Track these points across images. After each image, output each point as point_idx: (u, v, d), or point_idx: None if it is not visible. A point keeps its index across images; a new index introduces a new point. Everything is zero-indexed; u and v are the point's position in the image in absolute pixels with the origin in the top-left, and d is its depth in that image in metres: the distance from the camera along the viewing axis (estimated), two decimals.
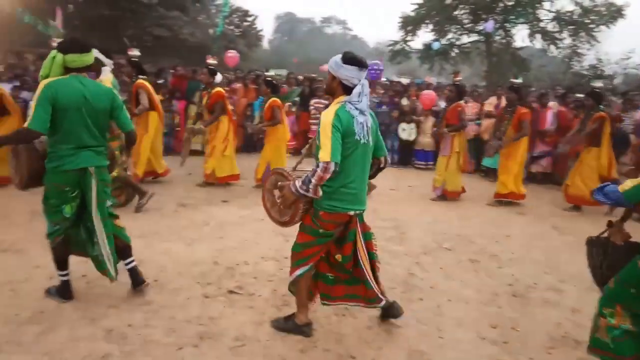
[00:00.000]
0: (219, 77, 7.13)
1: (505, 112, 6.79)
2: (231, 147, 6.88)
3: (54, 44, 5.97)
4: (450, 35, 24.09)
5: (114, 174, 4.71)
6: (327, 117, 2.62)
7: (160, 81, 9.61)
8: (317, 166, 2.59)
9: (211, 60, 7.30)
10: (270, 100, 6.74)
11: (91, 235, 3.12)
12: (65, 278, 3.22)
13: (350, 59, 2.68)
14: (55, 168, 2.95)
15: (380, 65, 11.78)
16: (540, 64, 22.58)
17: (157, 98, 6.65)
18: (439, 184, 6.80)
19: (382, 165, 3.03)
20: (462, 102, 6.86)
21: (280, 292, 3.54)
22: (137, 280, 3.34)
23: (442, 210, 6.33)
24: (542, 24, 21.59)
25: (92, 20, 22.42)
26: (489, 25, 19.13)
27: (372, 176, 3.03)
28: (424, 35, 27.51)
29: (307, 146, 3.45)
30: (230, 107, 7.16)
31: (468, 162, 7.19)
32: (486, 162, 8.51)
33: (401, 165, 9.46)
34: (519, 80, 8.02)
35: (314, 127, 9.69)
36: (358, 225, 2.90)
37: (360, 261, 2.91)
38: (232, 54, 13.26)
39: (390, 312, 3.12)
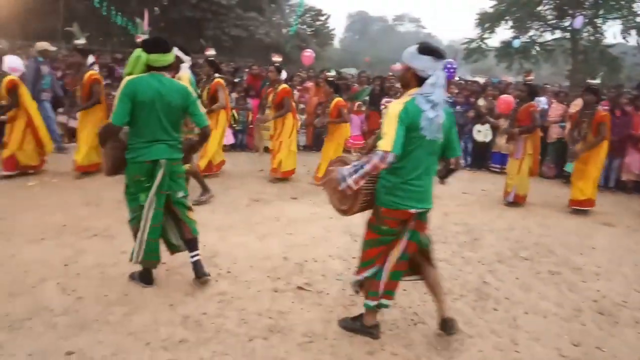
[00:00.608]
0: (284, 74, 7.28)
1: (583, 115, 6.34)
2: (294, 142, 7.07)
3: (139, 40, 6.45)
4: (531, 32, 22.84)
5: (186, 166, 4.96)
6: (395, 108, 2.56)
7: (236, 80, 9.96)
8: (375, 154, 2.51)
9: (277, 58, 7.48)
10: (335, 100, 6.83)
11: (178, 221, 3.32)
12: None
13: (426, 49, 2.60)
14: (132, 159, 3.17)
15: (454, 63, 11.40)
16: (635, 62, 20.73)
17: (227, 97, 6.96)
18: (511, 188, 6.49)
19: (452, 167, 2.91)
20: (534, 102, 6.53)
21: (348, 292, 3.53)
22: (199, 272, 3.43)
23: (519, 217, 6.00)
24: (638, 19, 19.79)
25: (176, 21, 23.77)
26: (577, 21, 17.85)
27: (442, 177, 2.94)
28: (503, 33, 26.30)
29: (373, 137, 3.35)
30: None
31: (538, 165, 6.80)
32: (569, 167, 7.95)
33: (475, 168, 9.11)
34: (597, 81, 7.45)
35: None
36: (413, 224, 2.77)
37: (390, 255, 2.80)
38: (308, 53, 13.46)
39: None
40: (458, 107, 9.48)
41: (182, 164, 3.41)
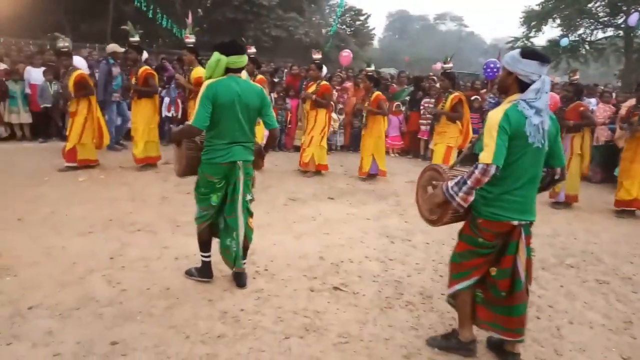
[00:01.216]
0: (324, 71, 7.44)
1: (635, 109, 6.14)
2: (325, 138, 7.25)
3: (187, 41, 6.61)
4: (581, 31, 21.90)
5: None
6: (495, 116, 2.41)
7: (276, 79, 10.07)
8: (476, 167, 2.39)
9: (317, 55, 7.57)
10: (375, 94, 6.97)
11: (228, 228, 3.34)
12: (207, 259, 3.50)
13: (531, 53, 2.45)
14: (208, 160, 3.20)
15: (497, 63, 11.07)
16: None
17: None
18: (559, 188, 6.28)
19: (557, 177, 2.70)
20: (582, 102, 6.36)
21: (384, 294, 3.52)
22: (241, 281, 3.47)
23: (564, 222, 5.77)
24: None
25: (218, 22, 24.27)
26: (632, 18, 16.96)
27: (545, 188, 2.74)
28: (550, 31, 25.35)
29: (468, 145, 3.21)
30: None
31: (588, 167, 6.58)
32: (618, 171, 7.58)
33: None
34: None
35: (423, 128, 9.45)
36: (522, 238, 2.56)
37: (521, 281, 2.56)
38: (346, 53, 13.50)
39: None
40: None
41: (252, 167, 3.42)
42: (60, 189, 5.75)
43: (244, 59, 3.24)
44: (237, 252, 3.34)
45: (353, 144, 9.91)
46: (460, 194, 2.44)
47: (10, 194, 5.41)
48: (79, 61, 6.68)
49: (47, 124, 8.70)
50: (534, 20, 22.60)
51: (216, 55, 3.16)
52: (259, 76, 6.70)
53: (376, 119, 7.09)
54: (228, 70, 3.20)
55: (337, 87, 10.21)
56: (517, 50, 2.53)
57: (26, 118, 8.56)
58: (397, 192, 6.66)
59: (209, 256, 3.50)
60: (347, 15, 31.24)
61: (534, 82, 2.43)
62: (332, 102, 7.51)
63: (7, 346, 2.61)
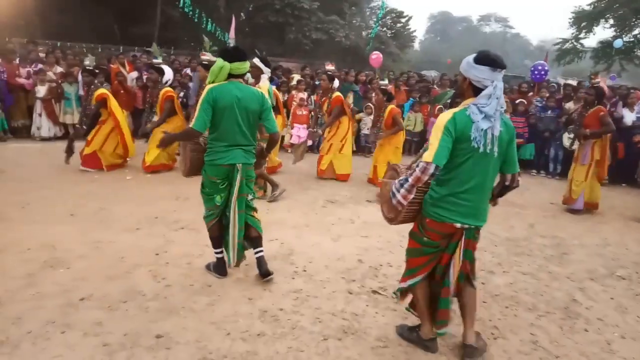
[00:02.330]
0: (336, 83, 7.30)
1: None
2: (349, 146, 7.16)
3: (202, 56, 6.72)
4: (636, 31, 20.82)
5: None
6: (443, 118, 2.48)
7: (317, 82, 10.12)
8: (417, 165, 2.46)
9: (329, 67, 7.52)
10: (390, 108, 6.81)
11: (227, 224, 3.46)
12: (219, 255, 3.62)
13: (483, 58, 2.47)
14: (210, 161, 3.34)
15: (545, 65, 10.70)
16: None
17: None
18: (577, 195, 6.12)
19: (507, 184, 2.69)
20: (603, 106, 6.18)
21: None
22: (262, 269, 3.55)
23: (614, 232, 5.52)
24: None
25: (260, 26, 24.66)
26: None
27: (499, 194, 2.75)
28: (601, 32, 24.23)
29: (426, 144, 3.24)
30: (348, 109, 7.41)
31: (606, 171, 6.31)
32: None
33: (565, 177, 8.49)
34: None
35: None
36: (462, 240, 2.62)
37: (449, 279, 2.67)
38: (375, 55, 13.47)
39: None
40: (549, 112, 8.93)
41: (253, 168, 3.55)
42: (109, 186, 6.00)
43: (246, 66, 3.38)
44: (238, 246, 3.43)
45: None
46: (402, 191, 2.52)
47: (63, 190, 5.70)
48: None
49: None
50: (584, 20, 21.67)
51: (220, 61, 3.30)
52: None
53: (394, 134, 6.89)
54: (230, 76, 3.32)
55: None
56: (473, 56, 2.53)
57: (79, 119, 9.00)
58: None
59: (221, 252, 3.61)
60: (387, 17, 31.01)
61: (486, 87, 2.45)
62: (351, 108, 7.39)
63: (61, 334, 2.75)
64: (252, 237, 3.58)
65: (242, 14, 25.81)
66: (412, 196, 2.55)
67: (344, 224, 5.13)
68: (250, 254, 3.63)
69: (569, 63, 23.41)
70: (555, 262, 4.42)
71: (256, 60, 5.39)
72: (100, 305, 3.10)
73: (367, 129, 9.18)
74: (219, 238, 3.59)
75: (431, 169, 2.41)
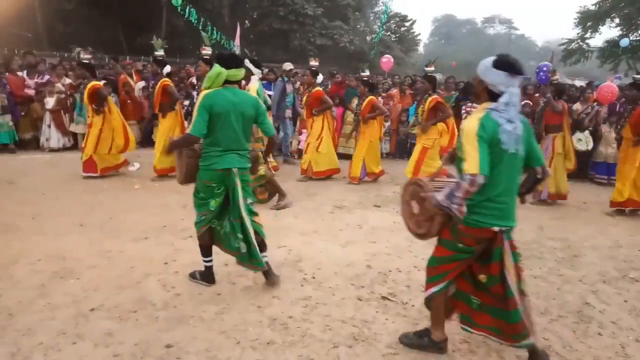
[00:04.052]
0: (320, 78, 7.61)
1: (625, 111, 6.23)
2: (326, 143, 7.24)
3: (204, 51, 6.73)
4: None
5: (261, 172, 5.23)
6: (472, 126, 2.45)
7: (296, 87, 10.17)
8: (463, 179, 2.42)
9: (313, 62, 7.79)
10: (369, 98, 7.10)
11: (235, 230, 3.45)
12: (208, 264, 3.63)
13: (501, 63, 2.46)
14: (206, 167, 3.37)
15: (549, 66, 10.60)
16: None
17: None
18: (541, 187, 6.37)
19: (539, 176, 2.73)
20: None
21: None
22: (268, 274, 3.58)
23: (626, 233, 5.45)
24: None
25: (264, 33, 24.79)
26: None
27: (529, 189, 2.77)
28: (607, 31, 24.06)
29: (446, 155, 3.22)
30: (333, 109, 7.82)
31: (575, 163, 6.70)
32: None
33: (574, 179, 8.42)
34: None
35: None
36: (505, 243, 2.58)
37: (510, 286, 2.55)
38: (386, 58, 13.50)
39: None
40: None
41: (249, 173, 3.58)
42: (117, 196, 6.04)
43: (242, 72, 3.43)
44: (251, 251, 3.43)
45: (399, 151, 9.83)
46: (455, 207, 2.44)
47: (72, 200, 5.74)
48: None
49: None
50: (589, 20, 21.57)
51: (217, 67, 3.33)
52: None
53: (369, 123, 7.16)
54: (226, 82, 3.36)
55: (383, 94, 10.16)
56: (492, 58, 2.52)
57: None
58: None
59: (210, 261, 3.62)
60: (392, 21, 31.02)
61: (502, 92, 2.46)
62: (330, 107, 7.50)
63: (72, 345, 2.76)
64: (257, 243, 3.57)
65: (246, 21, 25.96)
66: (465, 209, 2.47)
67: (352, 230, 5.12)
68: None
69: (575, 63, 23.28)
70: (566, 265, 4.38)
71: (246, 62, 5.52)
72: (111, 315, 3.11)
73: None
74: (209, 247, 3.61)
75: (480, 180, 2.38)
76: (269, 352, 2.79)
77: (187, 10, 16.35)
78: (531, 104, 9.18)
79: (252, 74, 5.52)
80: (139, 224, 4.94)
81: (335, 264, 4.12)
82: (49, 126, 8.95)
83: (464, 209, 2.47)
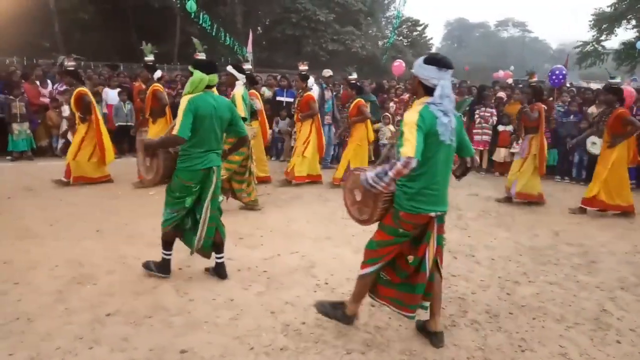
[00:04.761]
0: (310, 82, 7.62)
1: (602, 115, 6.36)
2: (312, 148, 7.21)
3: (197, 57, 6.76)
4: None
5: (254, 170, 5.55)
6: (412, 116, 2.63)
7: (334, 93, 10.17)
8: (398, 160, 2.56)
9: (302, 67, 7.81)
10: (356, 100, 7.12)
11: (196, 226, 3.66)
12: (168, 257, 3.78)
13: (430, 59, 2.70)
14: (187, 167, 3.52)
15: (563, 69, 10.46)
16: None
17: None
18: (510, 184, 6.55)
19: (468, 166, 3.01)
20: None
21: (447, 311, 3.42)
22: (220, 273, 3.83)
23: None
24: None
25: (277, 39, 24.96)
26: None
27: (463, 173, 3.02)
28: (623, 33, 23.72)
29: (387, 146, 3.39)
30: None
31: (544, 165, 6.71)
32: None
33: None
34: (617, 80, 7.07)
35: (477, 138, 9.16)
36: (435, 228, 2.82)
37: (426, 262, 2.83)
38: (397, 63, 13.54)
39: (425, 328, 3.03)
40: (572, 117, 8.77)
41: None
42: (133, 202, 6.12)
43: (217, 77, 3.67)
44: (204, 242, 3.68)
45: None
46: (382, 183, 2.62)
47: (89, 206, 5.83)
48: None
49: (121, 141, 9.31)
50: (605, 22, 21.30)
51: (198, 74, 3.52)
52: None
53: (357, 126, 7.15)
54: (206, 87, 3.58)
55: (395, 99, 10.16)
56: (422, 56, 2.78)
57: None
58: (458, 205, 6.47)
59: (170, 254, 3.78)
60: (404, 26, 31.06)
61: (434, 86, 2.66)
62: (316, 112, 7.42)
63: (89, 350, 2.80)
64: (216, 243, 3.78)
65: (259, 28, 26.20)
66: (393, 187, 2.70)
67: (365, 235, 5.06)
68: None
69: (591, 66, 22.98)
70: (583, 271, 4.31)
71: (229, 68, 5.73)
72: (127, 320, 3.15)
73: (386, 138, 9.17)
74: (172, 241, 3.77)
75: (413, 163, 2.54)
76: (283, 358, 2.79)
77: (200, 17, 16.55)
78: (546, 107, 9.07)
79: (237, 79, 5.63)
80: (154, 229, 4.96)
81: (348, 270, 4.10)
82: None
83: (393, 187, 2.69)
